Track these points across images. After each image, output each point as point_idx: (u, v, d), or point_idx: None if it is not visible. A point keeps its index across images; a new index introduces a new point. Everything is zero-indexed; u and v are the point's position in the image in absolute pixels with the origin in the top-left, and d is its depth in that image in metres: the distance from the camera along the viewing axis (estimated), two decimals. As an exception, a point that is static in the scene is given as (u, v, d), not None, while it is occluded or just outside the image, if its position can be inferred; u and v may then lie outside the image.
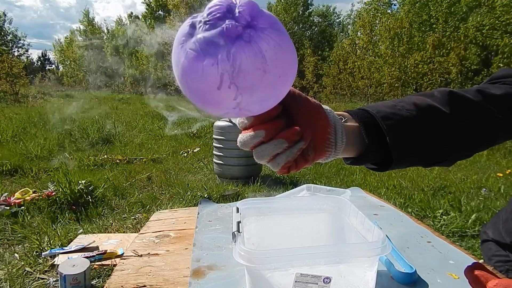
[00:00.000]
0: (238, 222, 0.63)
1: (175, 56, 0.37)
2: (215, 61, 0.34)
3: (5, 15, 28.82)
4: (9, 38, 29.09)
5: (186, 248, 0.91)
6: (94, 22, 30.77)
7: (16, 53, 28.70)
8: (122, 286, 0.74)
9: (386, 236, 0.83)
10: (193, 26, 0.36)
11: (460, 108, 0.56)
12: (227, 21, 0.34)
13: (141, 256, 0.89)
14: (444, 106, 0.55)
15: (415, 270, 0.66)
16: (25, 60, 31.11)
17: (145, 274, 0.78)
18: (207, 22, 0.35)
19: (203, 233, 0.96)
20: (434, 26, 11.66)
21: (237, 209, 0.70)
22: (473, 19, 10.52)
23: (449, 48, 10.58)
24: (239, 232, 0.59)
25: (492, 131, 0.58)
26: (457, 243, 0.89)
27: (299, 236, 0.74)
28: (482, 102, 0.57)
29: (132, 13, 35.50)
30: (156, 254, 0.89)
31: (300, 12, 25.76)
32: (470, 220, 2.43)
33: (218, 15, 0.35)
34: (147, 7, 30.16)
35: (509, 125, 0.59)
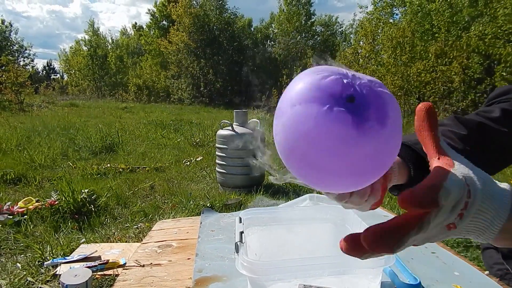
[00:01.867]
0: (241, 232, 0.63)
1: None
2: None
3: (11, 25, 29.22)
4: (15, 48, 29.44)
5: (188, 258, 0.91)
6: (99, 33, 31.13)
7: (21, 63, 29.02)
8: (124, 297, 0.74)
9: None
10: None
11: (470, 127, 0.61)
12: None
13: (143, 266, 0.89)
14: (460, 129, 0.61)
15: (420, 282, 0.65)
16: (31, 69, 31.46)
17: (147, 284, 0.78)
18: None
19: (206, 243, 0.96)
20: (437, 35, 11.70)
21: (240, 219, 0.70)
22: (475, 28, 10.56)
23: (451, 57, 10.60)
24: (242, 242, 0.59)
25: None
26: (461, 254, 0.88)
27: (302, 247, 0.74)
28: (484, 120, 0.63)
29: (136, 23, 35.90)
30: (159, 264, 0.89)
31: (303, 22, 25.98)
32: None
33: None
34: (152, 17, 30.53)
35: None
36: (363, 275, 0.54)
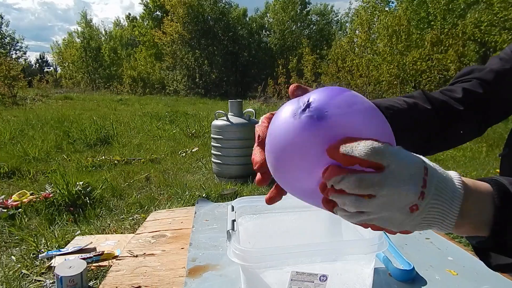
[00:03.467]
0: (233, 221, 0.62)
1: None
2: None
3: (2, 18, 28.77)
4: (6, 40, 29.03)
5: (182, 248, 0.90)
6: (92, 24, 30.72)
7: (14, 56, 28.66)
8: (117, 287, 0.73)
9: (384, 233, 0.82)
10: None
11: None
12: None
13: (136, 256, 0.88)
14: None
15: (413, 267, 0.65)
16: (23, 62, 31.09)
17: (140, 274, 0.77)
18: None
19: (200, 233, 0.95)
20: (432, 23, 11.67)
21: (232, 207, 0.69)
22: (471, 16, 10.54)
23: (447, 45, 10.58)
24: (233, 230, 0.58)
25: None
26: (456, 240, 0.88)
27: (296, 234, 0.73)
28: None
29: (130, 14, 35.45)
30: (152, 254, 0.88)
31: (298, 11, 25.77)
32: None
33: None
34: (145, 7, 30.13)
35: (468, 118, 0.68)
36: (355, 261, 0.53)
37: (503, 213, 0.38)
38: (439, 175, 0.35)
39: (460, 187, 0.36)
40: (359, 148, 0.32)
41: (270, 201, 0.45)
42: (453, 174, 0.37)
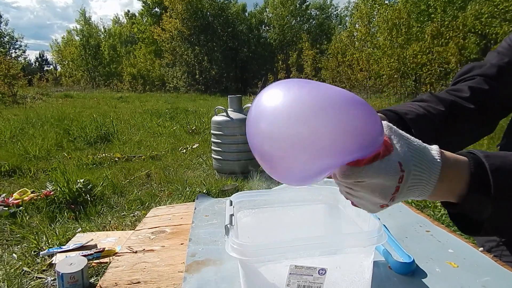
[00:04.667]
0: (231, 215, 0.62)
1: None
2: None
3: (1, 17, 28.74)
4: (6, 39, 28.99)
5: (182, 244, 0.90)
6: (91, 22, 30.61)
7: (13, 55, 28.63)
8: (116, 283, 0.73)
9: (384, 225, 0.82)
10: None
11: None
12: None
13: (135, 252, 0.88)
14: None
15: (413, 260, 0.65)
16: (23, 61, 31.06)
17: (140, 270, 0.77)
18: None
19: (200, 228, 0.95)
20: (433, 15, 11.59)
21: (231, 202, 0.69)
22: (471, 8, 10.47)
23: (448, 37, 10.52)
24: (231, 225, 0.58)
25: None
26: (457, 232, 0.88)
27: (296, 228, 0.73)
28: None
29: (129, 11, 35.31)
30: (151, 250, 0.88)
31: (297, 5, 25.64)
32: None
33: None
34: (144, 4, 30.02)
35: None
36: (354, 254, 0.52)
37: (475, 179, 0.43)
38: (417, 169, 0.40)
39: (438, 161, 0.41)
40: (338, 173, 0.42)
41: None
42: (434, 150, 0.42)
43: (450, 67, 10.52)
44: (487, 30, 9.82)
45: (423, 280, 0.62)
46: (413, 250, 0.72)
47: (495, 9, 9.62)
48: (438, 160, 0.41)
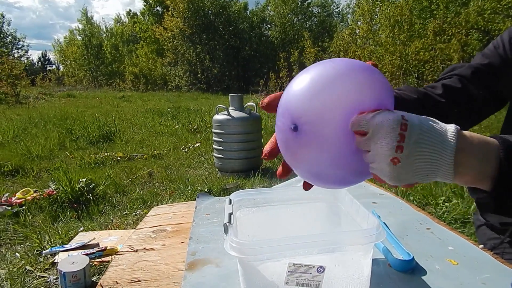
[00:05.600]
0: (230, 214, 0.62)
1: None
2: None
3: (4, 17, 28.81)
4: (8, 39, 29.11)
5: (182, 242, 0.90)
6: (93, 21, 30.65)
7: (16, 55, 28.75)
8: (116, 282, 0.73)
9: (384, 223, 0.82)
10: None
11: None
12: None
13: (136, 251, 0.88)
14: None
15: (413, 257, 0.65)
16: (26, 61, 31.17)
17: (140, 268, 0.78)
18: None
19: (200, 227, 0.95)
20: (435, 12, 11.52)
21: (230, 200, 0.69)
22: (474, 4, 10.39)
23: (450, 34, 10.46)
24: (230, 223, 0.58)
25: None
26: (459, 230, 0.87)
27: (295, 226, 0.73)
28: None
29: (130, 10, 35.34)
30: (152, 248, 0.88)
31: (299, 3, 25.56)
32: (472, 206, 2.41)
33: None
34: (145, 3, 30.02)
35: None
36: (353, 251, 0.52)
37: (506, 165, 0.40)
38: (424, 128, 0.39)
39: (452, 139, 0.39)
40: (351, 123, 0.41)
41: (280, 176, 0.54)
42: (450, 127, 0.40)
43: (453, 63, 10.46)
44: (490, 27, 9.76)
45: (422, 277, 0.61)
46: (413, 247, 0.71)
47: (498, 5, 9.55)
48: (455, 128, 0.40)
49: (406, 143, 0.38)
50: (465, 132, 0.42)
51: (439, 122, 0.41)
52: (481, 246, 0.71)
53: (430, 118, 0.41)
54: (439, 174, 0.40)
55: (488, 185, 0.42)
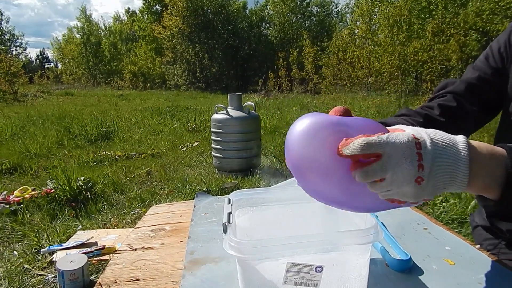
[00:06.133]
0: (229, 213, 0.62)
1: None
2: None
3: (2, 14, 28.69)
4: (6, 37, 28.97)
5: (181, 241, 0.90)
6: (91, 19, 30.55)
7: (14, 52, 28.64)
8: (115, 281, 0.73)
9: (382, 223, 0.82)
10: None
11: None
12: None
13: (135, 250, 0.88)
14: None
15: (410, 257, 0.65)
16: (24, 59, 31.07)
17: (139, 267, 0.78)
18: None
19: (199, 226, 0.95)
20: (434, 12, 11.54)
21: (229, 200, 0.69)
22: (472, 5, 10.41)
23: (449, 34, 10.47)
24: (229, 223, 0.58)
25: None
26: (456, 230, 0.88)
27: (293, 226, 0.73)
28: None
29: (129, 8, 35.24)
30: (151, 247, 0.88)
31: (298, 2, 25.54)
32: (469, 207, 2.43)
33: None
34: (144, 1, 29.95)
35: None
36: (351, 251, 0.53)
37: None
38: (436, 144, 0.39)
39: (465, 150, 0.40)
40: (354, 146, 0.38)
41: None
42: (459, 139, 0.41)
43: (451, 64, 10.48)
44: (488, 27, 9.77)
45: (419, 277, 0.62)
46: (410, 247, 0.72)
47: (496, 6, 9.57)
48: (464, 139, 0.41)
49: (424, 160, 0.38)
50: (473, 142, 0.42)
51: (445, 132, 0.42)
52: (478, 246, 0.72)
53: (435, 130, 0.42)
54: (455, 185, 0.40)
55: (496, 193, 0.43)
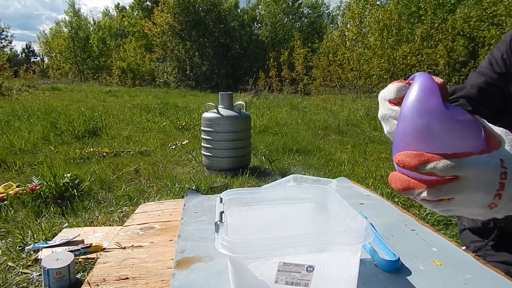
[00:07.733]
0: (221, 212, 0.62)
1: None
2: None
3: (-13, 5, 27.96)
4: (-9, 29, 28.28)
5: (170, 240, 0.90)
6: (80, 13, 30.02)
7: (-1, 45, 27.97)
8: (104, 279, 0.72)
9: (371, 224, 0.83)
10: None
11: None
12: None
13: (124, 248, 0.87)
14: None
15: (399, 258, 0.66)
16: (9, 52, 30.37)
17: (128, 266, 0.77)
18: None
19: (189, 225, 0.95)
20: (423, 17, 11.73)
21: (221, 199, 0.69)
22: (460, 11, 10.62)
23: (437, 39, 10.67)
24: (221, 222, 0.58)
25: None
26: (442, 232, 0.90)
27: (284, 226, 0.73)
28: None
29: (119, 4, 34.78)
30: (140, 246, 0.88)
31: (290, 3, 25.63)
32: (455, 209, 2.47)
33: None
34: (134, -3, 29.60)
35: None
36: (342, 251, 0.53)
37: None
38: None
39: None
40: (439, 166, 0.35)
41: None
42: None
43: (439, 69, 10.67)
44: (475, 33, 9.99)
45: (407, 277, 0.63)
46: (398, 248, 0.73)
47: (484, 13, 9.79)
48: None
49: (505, 191, 0.36)
50: None
51: None
52: (464, 248, 0.73)
53: None
54: None
55: None
